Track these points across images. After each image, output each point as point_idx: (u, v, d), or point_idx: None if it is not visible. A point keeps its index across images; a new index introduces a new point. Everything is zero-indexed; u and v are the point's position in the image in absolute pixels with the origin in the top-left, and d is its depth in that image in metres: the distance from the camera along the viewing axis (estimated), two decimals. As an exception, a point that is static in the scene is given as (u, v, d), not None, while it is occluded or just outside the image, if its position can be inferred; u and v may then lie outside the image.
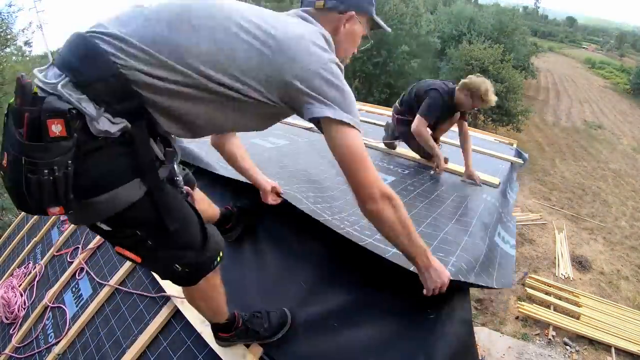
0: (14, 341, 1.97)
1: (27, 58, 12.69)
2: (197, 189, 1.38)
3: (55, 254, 2.41)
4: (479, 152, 3.32)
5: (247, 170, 1.53)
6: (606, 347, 5.99)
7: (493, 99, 2.42)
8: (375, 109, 6.09)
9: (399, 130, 2.72)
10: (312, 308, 1.36)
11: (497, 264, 1.58)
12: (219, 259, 1.04)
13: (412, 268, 1.14)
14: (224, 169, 1.77)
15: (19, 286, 2.34)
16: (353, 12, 1.04)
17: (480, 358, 5.40)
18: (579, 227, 10.76)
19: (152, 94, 0.79)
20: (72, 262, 2.20)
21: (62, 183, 0.70)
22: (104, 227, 0.85)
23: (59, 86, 0.71)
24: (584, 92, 30.74)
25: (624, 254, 9.52)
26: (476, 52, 17.76)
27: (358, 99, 14.95)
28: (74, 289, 2.05)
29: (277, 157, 2.50)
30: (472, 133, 4.68)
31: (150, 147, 0.83)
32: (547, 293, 7.25)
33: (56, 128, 0.67)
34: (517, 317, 6.62)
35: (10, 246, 3.06)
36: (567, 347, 6.01)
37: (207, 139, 1.34)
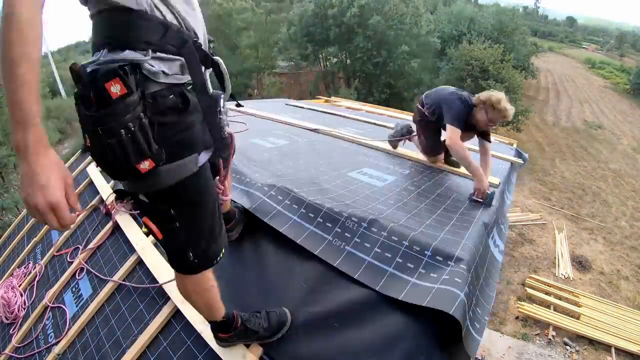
0: (14, 341, 1.97)
1: (27, 58, 12.69)
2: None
3: (55, 254, 2.41)
4: (478, 152, 3.31)
5: None
6: (606, 347, 5.99)
7: (508, 107, 2.20)
8: (375, 109, 6.09)
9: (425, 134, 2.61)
10: (312, 308, 1.36)
11: (485, 269, 1.57)
12: (221, 254, 1.08)
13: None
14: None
15: (19, 286, 2.34)
16: None
17: (480, 358, 5.40)
18: (579, 227, 10.75)
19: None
20: (72, 262, 2.20)
21: (140, 136, 0.74)
22: (144, 199, 0.89)
23: (101, 57, 0.75)
24: (584, 92, 30.72)
25: (624, 254, 9.52)
26: (476, 52, 17.76)
27: (358, 98, 14.99)
28: (74, 289, 2.05)
29: (277, 157, 2.50)
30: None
31: (201, 70, 0.88)
32: (547, 293, 7.25)
33: (115, 88, 0.70)
34: (517, 317, 6.63)
35: (10, 246, 3.06)
36: (567, 347, 6.01)
37: None
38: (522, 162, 3.36)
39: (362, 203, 1.84)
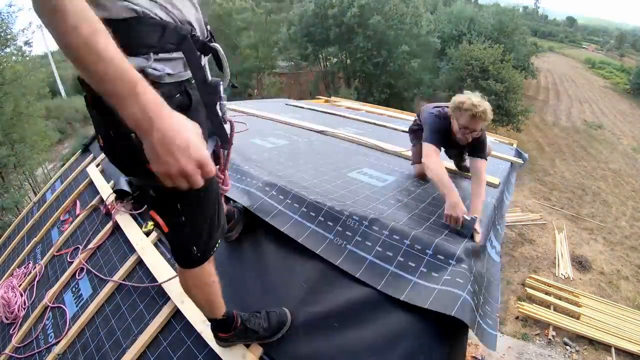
0: (14, 341, 1.97)
1: (27, 58, 12.68)
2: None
3: (55, 254, 2.41)
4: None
5: None
6: (606, 347, 5.99)
7: (475, 101, 1.86)
8: (375, 109, 6.09)
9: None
10: (312, 308, 1.36)
11: (485, 269, 1.57)
12: (217, 245, 1.11)
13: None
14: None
15: (19, 286, 2.34)
16: None
17: (480, 358, 5.39)
18: (579, 227, 10.76)
19: None
20: (72, 262, 2.20)
21: None
22: (152, 193, 0.92)
23: None
24: (584, 92, 30.72)
25: (624, 254, 9.52)
26: (476, 52, 17.77)
27: (358, 98, 14.99)
28: (74, 289, 2.05)
29: (277, 157, 2.50)
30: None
31: (201, 62, 0.88)
32: (547, 293, 7.25)
33: None
34: (517, 317, 6.63)
35: (10, 246, 3.06)
36: (567, 347, 6.02)
37: None
38: (522, 162, 3.36)
39: (363, 203, 1.84)
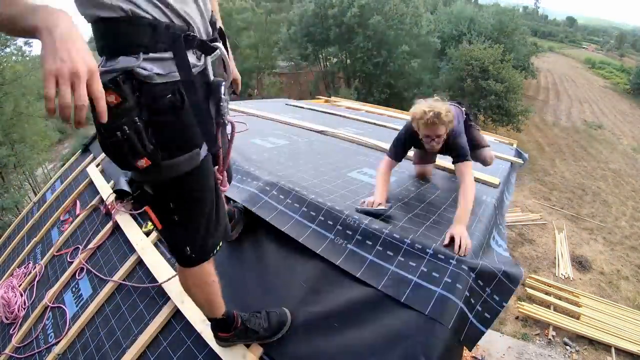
0: (14, 341, 1.97)
1: (27, 58, 12.70)
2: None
3: (55, 254, 2.41)
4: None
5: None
6: (606, 347, 5.99)
7: (425, 108, 1.78)
8: (375, 109, 6.09)
9: None
10: (312, 308, 1.36)
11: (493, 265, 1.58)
12: (218, 247, 1.11)
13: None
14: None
15: (19, 286, 2.34)
16: None
17: (480, 358, 5.40)
18: (579, 227, 10.76)
19: None
20: (72, 262, 2.20)
21: (135, 138, 0.79)
22: (149, 190, 0.94)
23: (100, 66, 0.77)
24: (584, 92, 30.73)
25: (624, 254, 9.52)
26: (476, 52, 17.77)
27: (358, 98, 14.99)
28: (74, 289, 2.05)
29: (277, 157, 2.50)
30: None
31: (188, 60, 0.87)
32: (547, 293, 7.25)
33: (110, 98, 0.74)
34: (517, 317, 6.63)
35: (10, 246, 3.06)
36: (567, 347, 6.02)
37: None
38: (522, 162, 3.36)
39: (363, 203, 1.84)
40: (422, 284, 1.31)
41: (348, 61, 20.58)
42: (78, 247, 2.29)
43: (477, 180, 2.45)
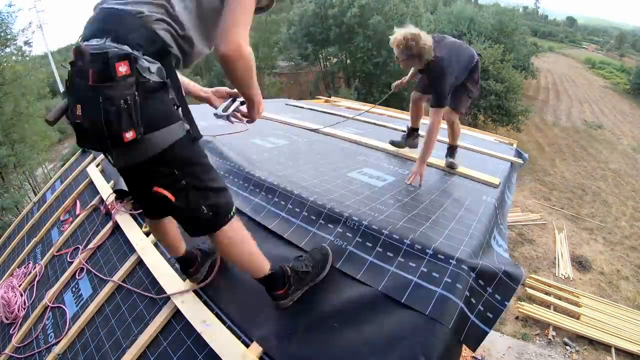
0: (14, 341, 1.97)
1: (27, 58, 12.69)
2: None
3: (55, 254, 2.41)
4: (478, 152, 3.32)
5: (186, 86, 1.50)
6: (606, 347, 5.99)
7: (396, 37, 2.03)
8: (375, 108, 6.08)
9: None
10: (312, 308, 1.36)
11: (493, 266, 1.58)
12: (232, 212, 1.18)
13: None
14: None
15: (19, 286, 2.34)
16: None
17: (480, 358, 5.40)
18: (579, 227, 10.77)
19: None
20: (72, 262, 2.20)
21: (133, 109, 0.89)
22: (147, 166, 1.01)
23: (107, 43, 0.89)
24: (584, 92, 30.74)
25: (624, 254, 9.53)
26: (476, 52, 17.77)
27: (358, 98, 14.98)
28: (74, 289, 2.05)
29: (277, 157, 2.50)
30: (472, 133, 4.69)
31: (178, 80, 1.05)
32: (547, 293, 7.26)
33: (122, 68, 0.87)
34: (517, 317, 6.63)
35: (10, 246, 3.06)
36: (567, 347, 6.02)
37: None
38: (522, 162, 3.36)
39: (363, 203, 1.84)
40: (422, 284, 1.31)
41: (348, 61, 20.58)
42: (78, 247, 2.29)
43: (477, 180, 2.46)
